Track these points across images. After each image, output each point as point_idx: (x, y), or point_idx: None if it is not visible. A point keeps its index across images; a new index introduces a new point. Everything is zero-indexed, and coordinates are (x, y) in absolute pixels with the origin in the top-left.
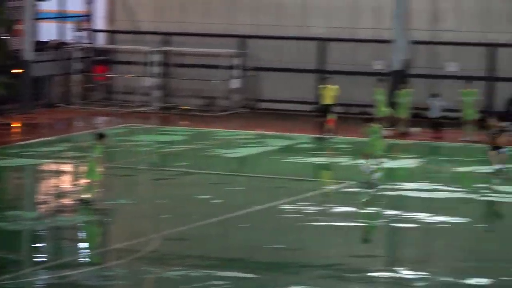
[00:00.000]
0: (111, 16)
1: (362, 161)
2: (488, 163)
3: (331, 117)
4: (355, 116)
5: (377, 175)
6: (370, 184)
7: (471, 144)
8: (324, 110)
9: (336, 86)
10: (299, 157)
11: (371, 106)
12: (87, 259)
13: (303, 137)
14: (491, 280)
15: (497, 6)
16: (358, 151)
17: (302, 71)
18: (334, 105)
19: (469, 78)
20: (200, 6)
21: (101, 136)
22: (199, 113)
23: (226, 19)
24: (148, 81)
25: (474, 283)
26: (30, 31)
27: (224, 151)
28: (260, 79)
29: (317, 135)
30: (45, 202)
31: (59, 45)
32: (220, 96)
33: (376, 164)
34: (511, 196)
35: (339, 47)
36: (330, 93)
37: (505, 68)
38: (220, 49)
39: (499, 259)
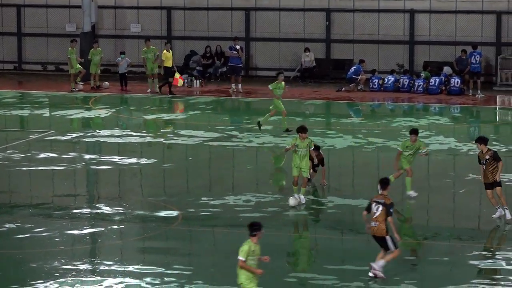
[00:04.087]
0: None
1: None
2: (169, 111)
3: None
4: (51, 73)
5: None
6: None
7: (154, 95)
8: (169, 72)
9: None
10: (4, 111)
11: (65, 63)
12: None
13: (6, 93)
14: (178, 212)
15: None
16: (54, 104)
17: (1, 34)
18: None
19: (149, 38)
20: None
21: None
22: None
23: None
24: None
25: (165, 215)
26: None
27: None
28: None
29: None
30: None
31: None
32: None
33: None
34: (191, 139)
35: (35, 12)
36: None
37: (180, 28)
38: None
39: (184, 194)
